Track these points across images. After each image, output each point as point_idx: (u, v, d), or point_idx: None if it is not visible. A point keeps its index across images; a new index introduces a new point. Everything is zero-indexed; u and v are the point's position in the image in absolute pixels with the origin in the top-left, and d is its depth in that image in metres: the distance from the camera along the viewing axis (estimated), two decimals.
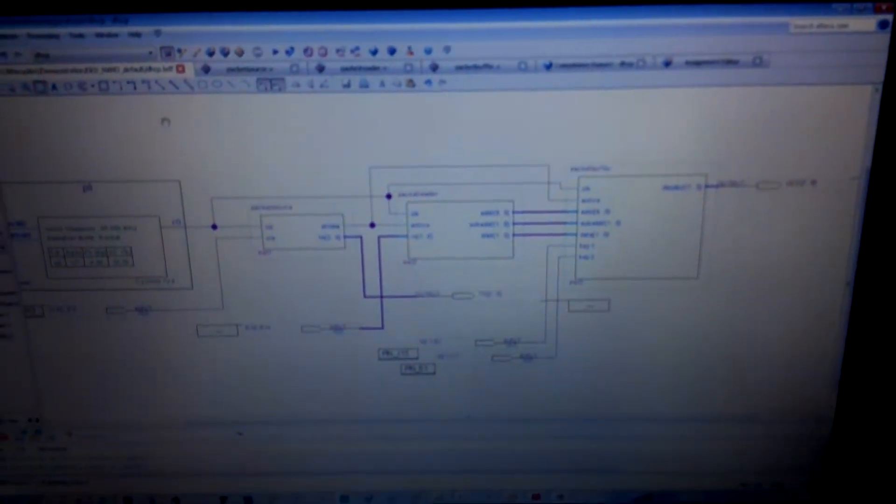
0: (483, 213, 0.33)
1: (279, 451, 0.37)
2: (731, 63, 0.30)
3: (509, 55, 0.30)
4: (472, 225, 0.33)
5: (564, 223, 0.33)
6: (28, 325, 0.34)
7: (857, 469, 0.37)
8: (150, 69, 0.31)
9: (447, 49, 0.30)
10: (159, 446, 0.37)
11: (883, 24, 0.30)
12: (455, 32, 0.30)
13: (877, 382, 0.35)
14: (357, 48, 0.30)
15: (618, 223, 0.33)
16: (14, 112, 0.31)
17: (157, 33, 0.30)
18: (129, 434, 0.36)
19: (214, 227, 0.33)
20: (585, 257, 0.33)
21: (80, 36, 0.30)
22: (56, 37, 0.30)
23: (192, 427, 0.36)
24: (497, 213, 0.33)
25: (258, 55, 0.31)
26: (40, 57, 0.31)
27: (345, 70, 0.31)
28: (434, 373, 0.35)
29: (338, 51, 0.30)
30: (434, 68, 0.31)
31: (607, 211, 0.32)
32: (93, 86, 0.31)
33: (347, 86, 0.31)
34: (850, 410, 0.36)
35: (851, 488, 0.37)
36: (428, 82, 0.31)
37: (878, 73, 0.30)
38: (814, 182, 0.32)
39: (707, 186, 0.32)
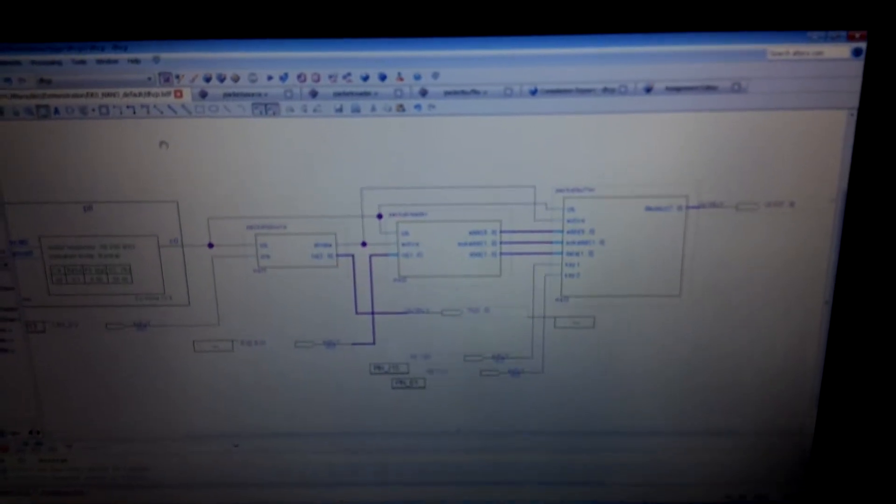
0: (471, 233, 0.33)
1: (274, 462, 0.38)
2: (710, 89, 0.31)
3: (496, 81, 0.31)
4: (460, 244, 0.34)
5: (550, 242, 0.34)
6: (30, 340, 0.35)
7: (838, 480, 0.37)
8: (148, 94, 0.32)
9: (436, 75, 0.31)
10: (157, 458, 0.37)
11: (857, 52, 0.31)
12: (443, 59, 0.31)
13: (855, 397, 0.36)
14: (349, 74, 0.31)
15: (602, 243, 0.33)
16: (18, 135, 0.32)
17: (156, 60, 0.31)
18: (127, 446, 0.37)
19: (211, 245, 0.34)
20: (571, 276, 0.34)
21: (82, 62, 0.31)
22: (58, 63, 0.31)
23: (189, 439, 0.37)
24: (485, 232, 0.33)
25: (253, 81, 0.32)
26: (43, 82, 0.32)
27: (337, 95, 0.32)
28: (424, 387, 0.36)
29: (330, 77, 0.31)
30: (423, 94, 0.32)
31: (592, 231, 0.33)
32: (94, 110, 0.32)
33: (340, 110, 0.32)
34: (830, 423, 0.36)
35: (833, 499, 0.38)
36: (417, 107, 0.32)
37: (853, 99, 0.31)
38: (792, 203, 0.33)
39: (688, 207, 0.33)
